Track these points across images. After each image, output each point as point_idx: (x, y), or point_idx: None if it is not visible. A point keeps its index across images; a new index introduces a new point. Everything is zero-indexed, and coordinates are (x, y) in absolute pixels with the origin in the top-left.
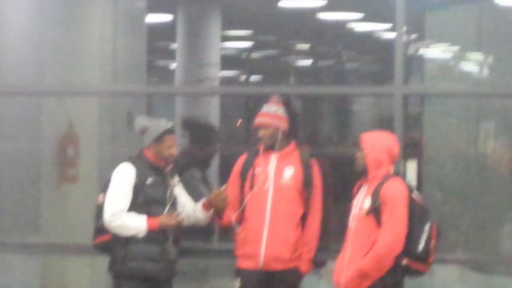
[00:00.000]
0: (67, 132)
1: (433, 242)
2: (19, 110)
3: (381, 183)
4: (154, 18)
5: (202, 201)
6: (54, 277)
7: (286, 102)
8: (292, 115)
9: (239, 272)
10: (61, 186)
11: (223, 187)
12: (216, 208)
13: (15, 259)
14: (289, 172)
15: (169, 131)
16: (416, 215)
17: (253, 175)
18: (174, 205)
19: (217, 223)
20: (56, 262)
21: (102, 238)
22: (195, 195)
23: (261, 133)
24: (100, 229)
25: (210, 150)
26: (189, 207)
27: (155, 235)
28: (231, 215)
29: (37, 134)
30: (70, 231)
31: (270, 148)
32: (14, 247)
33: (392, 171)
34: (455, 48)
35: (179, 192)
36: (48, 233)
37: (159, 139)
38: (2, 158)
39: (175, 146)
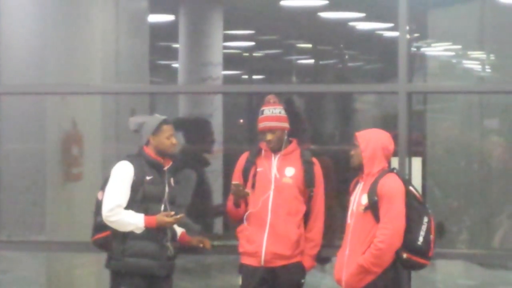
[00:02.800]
0: (71, 131)
1: (432, 234)
2: (23, 110)
3: (377, 179)
4: (156, 18)
5: (182, 230)
6: (60, 274)
7: (288, 100)
8: (293, 114)
9: (242, 268)
10: (65, 184)
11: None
12: (238, 197)
13: (20, 257)
14: (291, 171)
15: (166, 122)
16: (414, 209)
17: (254, 174)
18: (173, 203)
19: (231, 213)
20: (61, 260)
21: (101, 235)
22: (189, 196)
23: (269, 137)
24: (99, 226)
25: (205, 149)
26: None
27: (153, 232)
28: (244, 209)
29: (41, 134)
30: (75, 229)
31: (277, 150)
32: (20, 245)
33: (387, 167)
34: (458, 46)
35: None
36: (53, 231)
37: (158, 130)
38: (7, 158)
39: (174, 137)
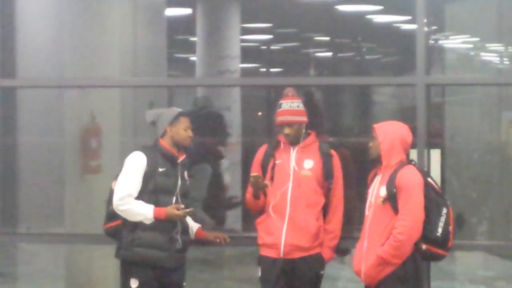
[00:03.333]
0: (89, 124)
1: (451, 226)
2: (42, 103)
3: (395, 171)
4: (174, 11)
5: (198, 225)
6: (79, 266)
7: (307, 93)
8: (312, 106)
9: (261, 260)
10: (84, 177)
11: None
12: (257, 189)
13: (40, 249)
14: (309, 163)
15: (184, 113)
16: (433, 200)
17: (273, 167)
18: (185, 196)
19: (250, 205)
20: (80, 252)
21: (112, 224)
22: (204, 189)
23: (287, 131)
24: (111, 215)
25: (220, 142)
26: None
27: (162, 224)
28: (263, 200)
29: (60, 127)
30: (93, 221)
31: (295, 143)
32: (39, 237)
33: (405, 159)
34: (476, 38)
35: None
36: (72, 224)
37: (176, 120)
38: (26, 151)
39: (190, 129)
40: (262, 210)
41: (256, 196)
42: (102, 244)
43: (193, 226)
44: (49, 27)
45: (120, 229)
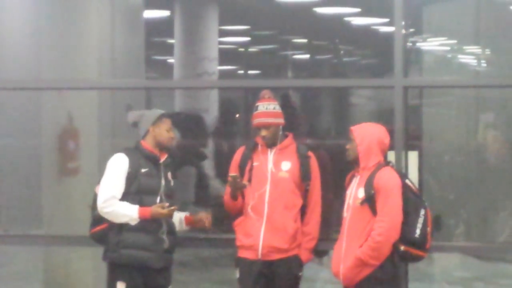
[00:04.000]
0: (67, 126)
1: (429, 227)
2: (19, 105)
3: (373, 173)
4: (152, 13)
5: (186, 213)
6: (57, 268)
7: (284, 95)
8: (289, 108)
9: (239, 262)
10: (62, 179)
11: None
12: (235, 189)
13: (18, 251)
14: (287, 165)
15: (166, 115)
16: (411, 202)
17: (251, 169)
18: (170, 195)
19: (228, 206)
20: (58, 254)
21: (98, 228)
22: (190, 191)
23: (264, 133)
24: (97, 220)
25: (202, 144)
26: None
27: (148, 224)
28: (241, 202)
29: (37, 129)
30: (72, 223)
31: (272, 145)
32: (17, 239)
33: (383, 161)
34: (453, 40)
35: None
36: (50, 226)
37: (158, 121)
38: (3, 153)
39: (172, 131)
40: (239, 212)
41: (234, 197)
42: (81, 246)
43: (181, 215)
44: (27, 29)
45: (106, 233)
